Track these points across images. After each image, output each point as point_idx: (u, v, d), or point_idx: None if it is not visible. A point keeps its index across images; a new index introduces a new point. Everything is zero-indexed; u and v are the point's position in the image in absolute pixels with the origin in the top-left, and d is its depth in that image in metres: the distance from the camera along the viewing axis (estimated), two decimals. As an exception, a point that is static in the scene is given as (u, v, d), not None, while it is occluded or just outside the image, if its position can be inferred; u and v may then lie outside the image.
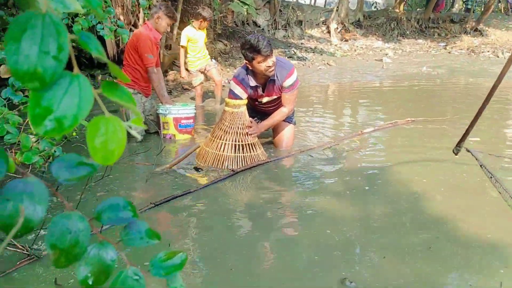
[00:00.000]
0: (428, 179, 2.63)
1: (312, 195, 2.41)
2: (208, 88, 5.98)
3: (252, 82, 2.99)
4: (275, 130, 3.36)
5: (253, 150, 2.92)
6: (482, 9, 13.54)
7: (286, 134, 3.29)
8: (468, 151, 2.23)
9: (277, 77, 2.98)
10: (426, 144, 3.44)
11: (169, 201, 2.23)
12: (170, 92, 5.95)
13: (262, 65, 2.86)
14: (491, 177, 2.01)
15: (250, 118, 2.99)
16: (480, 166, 2.16)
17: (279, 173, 2.86)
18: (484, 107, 1.96)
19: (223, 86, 5.70)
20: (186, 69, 5.27)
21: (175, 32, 7.57)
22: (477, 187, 2.50)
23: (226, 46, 9.24)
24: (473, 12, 13.45)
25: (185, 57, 5.12)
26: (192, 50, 4.97)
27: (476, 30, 12.48)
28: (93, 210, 0.50)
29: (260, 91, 3.05)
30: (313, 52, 10.57)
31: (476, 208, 2.21)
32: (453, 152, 2.16)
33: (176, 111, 3.50)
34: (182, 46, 4.96)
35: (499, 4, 14.87)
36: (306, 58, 9.83)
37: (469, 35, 12.33)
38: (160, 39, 3.70)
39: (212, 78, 5.14)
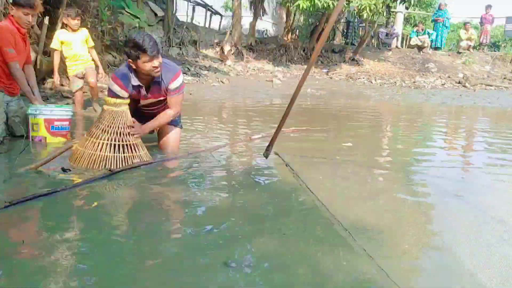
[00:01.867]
0: (308, 172, 2.73)
1: (196, 191, 2.31)
2: (90, 95, 5.56)
3: (135, 81, 2.80)
4: (160, 133, 3.20)
5: (136, 151, 2.72)
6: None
7: (172, 137, 3.15)
8: (276, 153, 2.54)
9: (162, 79, 2.85)
10: (307, 147, 3.61)
11: (29, 201, 1.93)
12: (47, 99, 5.39)
13: (147, 65, 2.69)
14: (293, 175, 2.30)
15: (133, 119, 2.80)
16: (286, 165, 2.45)
17: (163, 173, 2.70)
18: (287, 115, 2.43)
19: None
20: (67, 77, 4.91)
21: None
22: (344, 175, 2.67)
23: (115, 58, 8.81)
24: (351, 44, 14.97)
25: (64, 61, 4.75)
26: (67, 54, 4.67)
27: (353, 59, 13.89)
28: None
29: (143, 91, 2.88)
30: (207, 71, 10.65)
31: (354, 192, 2.34)
32: (263, 155, 2.38)
33: (49, 112, 3.14)
34: (54, 49, 4.66)
35: (373, 39, 16.83)
36: (200, 74, 9.85)
37: (347, 63, 13.67)
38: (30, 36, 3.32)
39: (86, 80, 4.81)
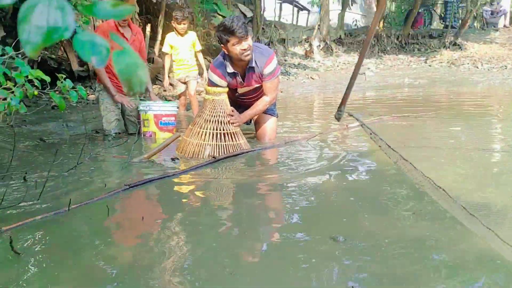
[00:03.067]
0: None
1: (296, 175, 2.30)
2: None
3: (230, 69, 2.87)
4: (257, 123, 3.26)
5: (235, 139, 2.81)
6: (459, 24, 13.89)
7: (269, 126, 3.19)
8: (351, 115, 2.13)
9: (256, 64, 2.88)
10: (408, 135, 3.40)
11: (144, 184, 2.09)
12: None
13: (237, 48, 2.71)
14: (370, 134, 1.92)
15: (232, 107, 2.89)
16: (361, 125, 2.07)
17: (263, 161, 2.75)
18: (359, 67, 1.92)
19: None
20: (170, 84, 5.10)
21: (157, 47, 7.54)
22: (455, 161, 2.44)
23: (210, 62, 9.24)
24: (451, 27, 13.79)
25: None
26: (174, 58, 4.72)
27: (455, 44, 12.76)
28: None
29: (239, 79, 2.95)
30: (296, 68, 10.66)
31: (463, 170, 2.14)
32: (335, 118, 2.04)
33: (158, 108, 3.39)
34: (164, 53, 4.79)
35: (476, 20, 15.36)
36: (290, 73, 9.88)
37: (448, 49, 12.59)
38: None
39: (187, 90, 4.83)
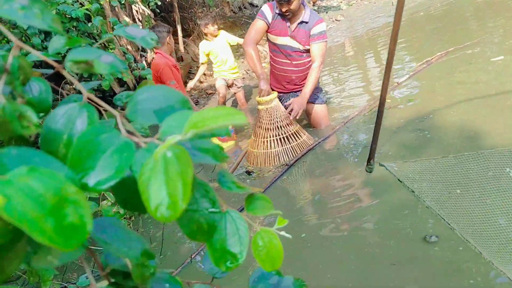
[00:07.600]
0: (479, 117, 2.60)
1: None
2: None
3: (279, 11, 2.93)
4: (308, 113, 3.35)
5: (299, 138, 2.98)
6: None
7: (322, 114, 3.30)
8: (382, 165, 1.83)
9: (308, 20, 2.94)
10: (468, 78, 3.35)
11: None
12: (197, 102, 6.07)
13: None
14: (412, 192, 1.65)
15: (290, 100, 3.01)
16: (399, 180, 1.73)
17: (329, 154, 2.89)
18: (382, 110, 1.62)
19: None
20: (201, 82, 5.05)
21: (180, 43, 7.62)
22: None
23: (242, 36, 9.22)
24: None
25: (205, 71, 4.85)
26: (215, 61, 4.63)
27: None
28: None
29: (287, 25, 2.98)
30: (318, 12, 10.33)
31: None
32: (366, 171, 1.84)
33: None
34: (202, 63, 4.66)
35: None
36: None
37: None
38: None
39: (238, 100, 4.87)
